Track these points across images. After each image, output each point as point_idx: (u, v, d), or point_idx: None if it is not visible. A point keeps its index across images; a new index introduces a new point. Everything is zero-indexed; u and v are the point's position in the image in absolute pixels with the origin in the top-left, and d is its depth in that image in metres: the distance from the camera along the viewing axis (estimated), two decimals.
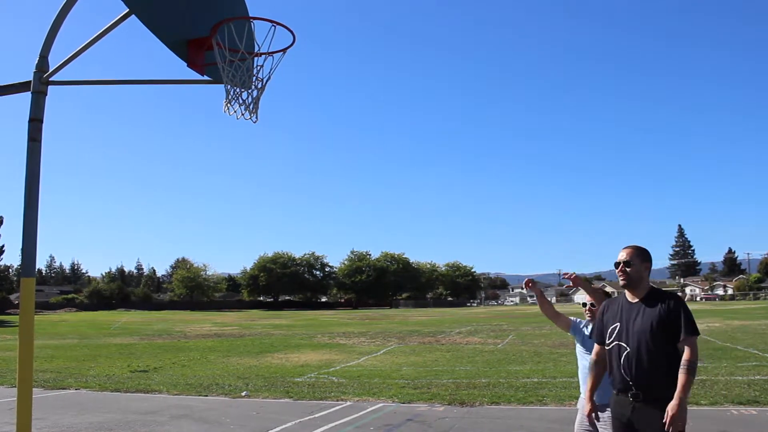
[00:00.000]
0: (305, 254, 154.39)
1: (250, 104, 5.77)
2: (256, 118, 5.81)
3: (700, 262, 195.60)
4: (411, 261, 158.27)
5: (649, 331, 4.54)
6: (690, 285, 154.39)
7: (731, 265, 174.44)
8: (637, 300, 4.76)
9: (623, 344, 4.67)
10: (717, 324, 28.38)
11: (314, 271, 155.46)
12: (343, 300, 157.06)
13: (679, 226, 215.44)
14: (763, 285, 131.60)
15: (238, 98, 5.74)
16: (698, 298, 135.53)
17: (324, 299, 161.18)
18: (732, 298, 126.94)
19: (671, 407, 4.27)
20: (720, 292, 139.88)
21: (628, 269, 4.77)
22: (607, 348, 4.86)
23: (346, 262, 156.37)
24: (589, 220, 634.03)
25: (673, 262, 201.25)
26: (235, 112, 5.74)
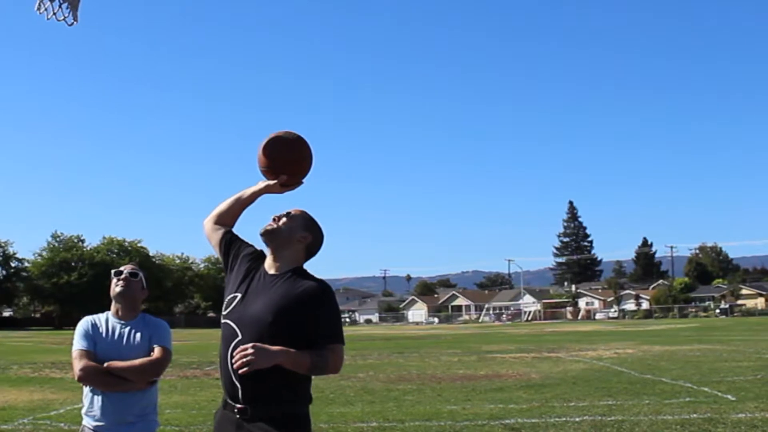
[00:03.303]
0: None
1: None
2: (74, 18, 4.57)
3: (600, 261, 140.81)
4: (151, 253, 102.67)
5: (271, 319, 3.03)
6: (586, 295, 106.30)
7: (647, 265, 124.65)
8: (274, 272, 3.19)
9: (235, 327, 3.10)
10: (631, 350, 24.16)
11: None
12: (39, 315, 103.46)
13: (570, 203, 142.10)
14: (693, 295, 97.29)
15: None
16: (597, 315, 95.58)
17: (8, 313, 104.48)
18: (649, 314, 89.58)
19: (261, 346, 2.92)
20: (631, 306, 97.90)
21: (285, 219, 3.23)
22: (222, 321, 3.24)
23: (44, 254, 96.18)
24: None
25: (559, 259, 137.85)
26: (45, 9, 4.49)
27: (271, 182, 3.31)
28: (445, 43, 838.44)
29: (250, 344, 2.91)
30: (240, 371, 2.91)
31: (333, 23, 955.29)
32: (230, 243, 3.42)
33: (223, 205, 3.49)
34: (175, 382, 15.53)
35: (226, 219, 3.48)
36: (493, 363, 20.12)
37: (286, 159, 3.28)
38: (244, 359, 2.88)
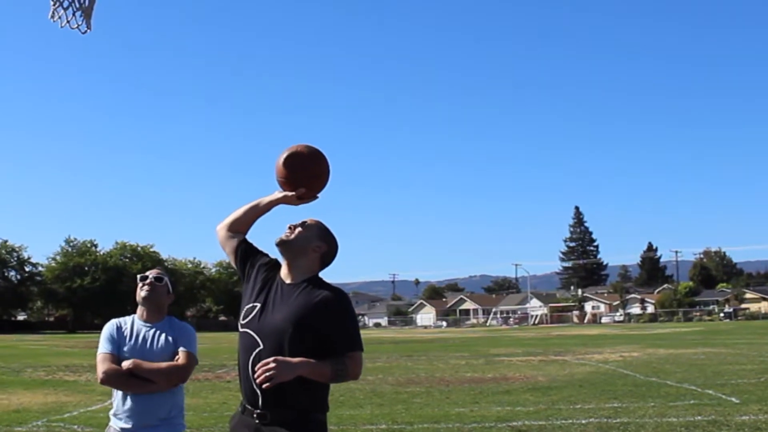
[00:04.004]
0: None
1: (82, 4, 4.47)
2: (88, 26, 4.53)
3: (606, 265, 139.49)
4: (164, 257, 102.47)
5: (292, 329, 3.09)
6: (592, 299, 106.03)
7: (652, 269, 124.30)
8: (291, 281, 3.25)
9: (255, 336, 3.15)
10: (636, 353, 24.14)
11: (6, 271, 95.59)
12: (53, 318, 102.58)
13: (577, 208, 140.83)
14: (697, 299, 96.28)
15: None
16: (603, 319, 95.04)
17: (22, 317, 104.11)
18: (654, 318, 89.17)
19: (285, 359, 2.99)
20: (636, 309, 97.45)
21: (300, 229, 3.28)
22: (240, 330, 3.26)
23: (58, 258, 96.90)
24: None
25: (565, 264, 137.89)
26: (59, 17, 4.46)
27: (289, 194, 3.33)
28: (446, 44, 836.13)
29: (272, 358, 2.96)
30: (264, 386, 2.97)
31: (332, 22, 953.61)
32: (246, 253, 3.43)
33: (237, 213, 3.49)
34: (187, 384, 15.49)
35: (240, 226, 3.48)
36: (501, 366, 20.13)
37: (306, 173, 3.30)
38: (267, 374, 2.93)
